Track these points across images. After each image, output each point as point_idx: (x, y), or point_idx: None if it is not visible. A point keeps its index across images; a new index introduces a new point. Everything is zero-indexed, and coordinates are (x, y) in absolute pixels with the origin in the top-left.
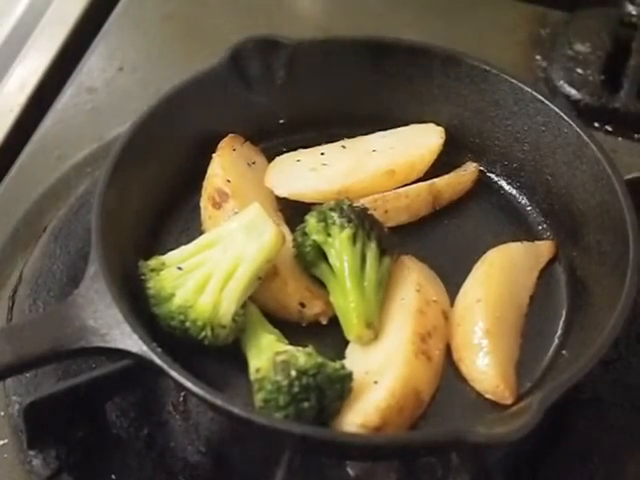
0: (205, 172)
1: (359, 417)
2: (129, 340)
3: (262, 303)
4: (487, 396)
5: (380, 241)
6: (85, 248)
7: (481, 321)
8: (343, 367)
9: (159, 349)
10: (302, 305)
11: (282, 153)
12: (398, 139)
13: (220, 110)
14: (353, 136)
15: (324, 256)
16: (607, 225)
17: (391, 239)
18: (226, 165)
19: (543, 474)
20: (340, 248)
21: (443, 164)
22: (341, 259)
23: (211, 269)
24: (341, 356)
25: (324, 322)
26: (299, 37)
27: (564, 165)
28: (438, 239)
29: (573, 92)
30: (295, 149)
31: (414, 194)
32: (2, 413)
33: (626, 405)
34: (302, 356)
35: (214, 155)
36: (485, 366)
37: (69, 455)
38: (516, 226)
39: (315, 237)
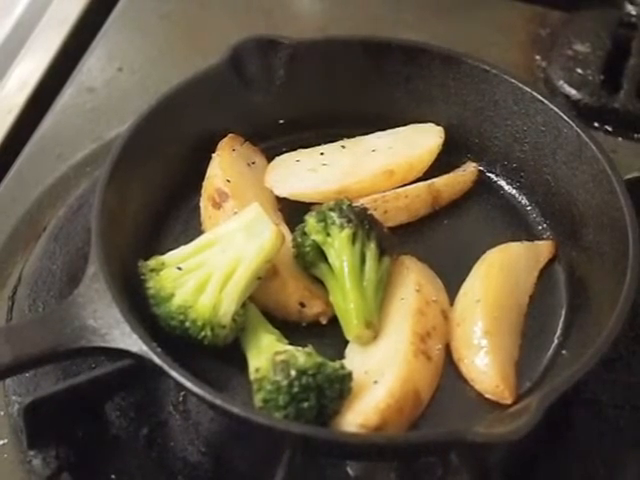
0: (205, 172)
1: (359, 417)
2: (129, 340)
3: (262, 303)
4: (487, 396)
5: (379, 241)
6: (85, 248)
7: (481, 321)
8: (343, 367)
9: (159, 349)
10: (302, 305)
11: (282, 153)
12: (397, 139)
13: (220, 110)
14: (352, 136)
15: (324, 256)
16: (607, 225)
17: (391, 239)
18: (226, 165)
19: (543, 474)
20: (340, 248)
21: (442, 164)
22: (340, 259)
23: (211, 269)
24: (341, 356)
25: (324, 322)
26: (299, 37)
27: (564, 165)
28: (438, 239)
29: (573, 92)
30: (295, 149)
31: (413, 194)
32: (2, 413)
33: (626, 405)
34: (302, 356)
35: (214, 155)
36: (485, 366)
37: (69, 455)
38: (516, 226)
39: (315, 237)
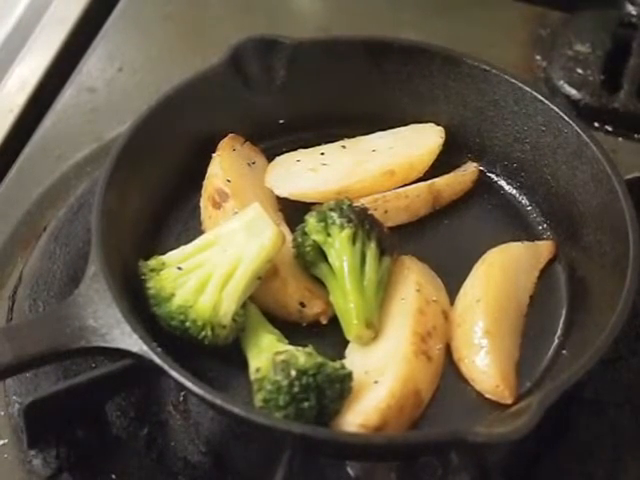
0: (205, 172)
1: (359, 417)
2: (129, 340)
3: (262, 303)
4: (487, 396)
5: (380, 241)
6: (85, 248)
7: (481, 321)
8: (343, 367)
9: (159, 349)
10: (302, 305)
11: (282, 153)
12: (398, 139)
13: (220, 110)
14: (353, 136)
15: (324, 256)
16: (607, 225)
17: (391, 239)
18: (226, 165)
19: (543, 474)
20: (340, 248)
21: (443, 164)
22: (341, 259)
23: (211, 269)
24: (341, 356)
25: (324, 322)
26: (299, 37)
27: (564, 165)
28: (438, 239)
29: (573, 92)
30: (295, 149)
31: (414, 194)
32: (2, 413)
33: (626, 405)
34: (302, 356)
35: (214, 155)
36: (485, 366)
37: (69, 455)
38: (516, 226)
39: (315, 237)
